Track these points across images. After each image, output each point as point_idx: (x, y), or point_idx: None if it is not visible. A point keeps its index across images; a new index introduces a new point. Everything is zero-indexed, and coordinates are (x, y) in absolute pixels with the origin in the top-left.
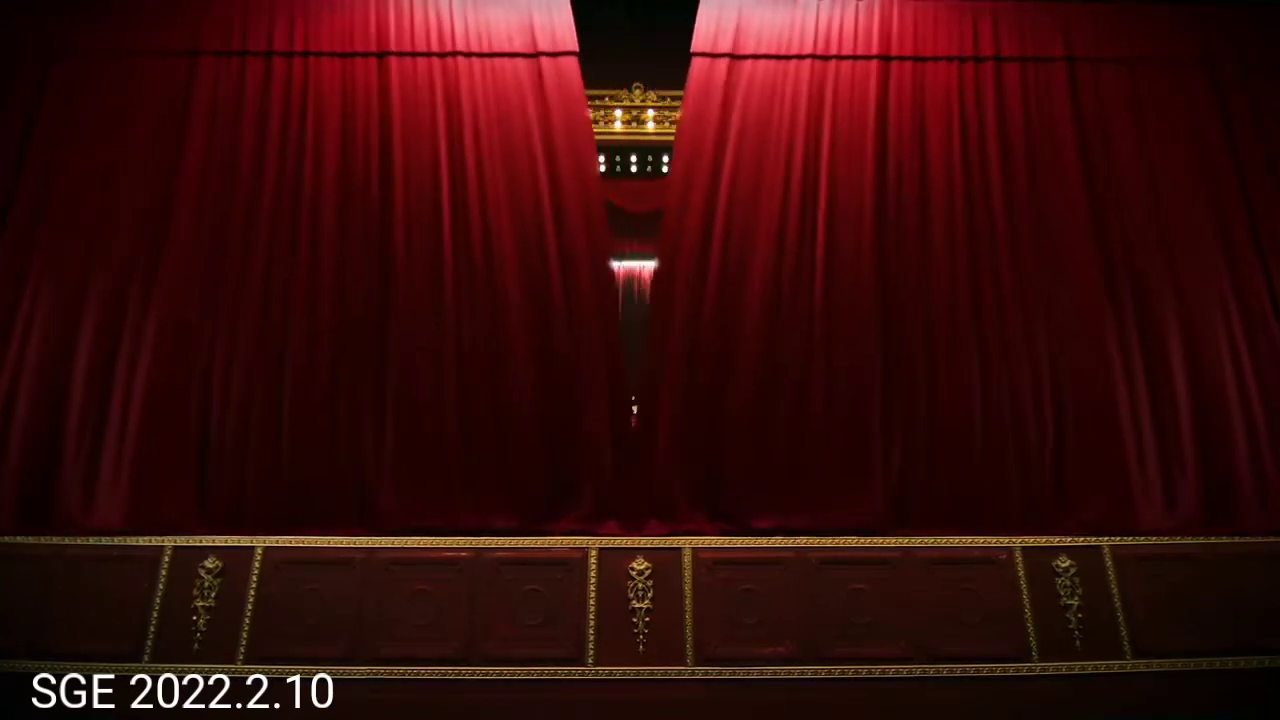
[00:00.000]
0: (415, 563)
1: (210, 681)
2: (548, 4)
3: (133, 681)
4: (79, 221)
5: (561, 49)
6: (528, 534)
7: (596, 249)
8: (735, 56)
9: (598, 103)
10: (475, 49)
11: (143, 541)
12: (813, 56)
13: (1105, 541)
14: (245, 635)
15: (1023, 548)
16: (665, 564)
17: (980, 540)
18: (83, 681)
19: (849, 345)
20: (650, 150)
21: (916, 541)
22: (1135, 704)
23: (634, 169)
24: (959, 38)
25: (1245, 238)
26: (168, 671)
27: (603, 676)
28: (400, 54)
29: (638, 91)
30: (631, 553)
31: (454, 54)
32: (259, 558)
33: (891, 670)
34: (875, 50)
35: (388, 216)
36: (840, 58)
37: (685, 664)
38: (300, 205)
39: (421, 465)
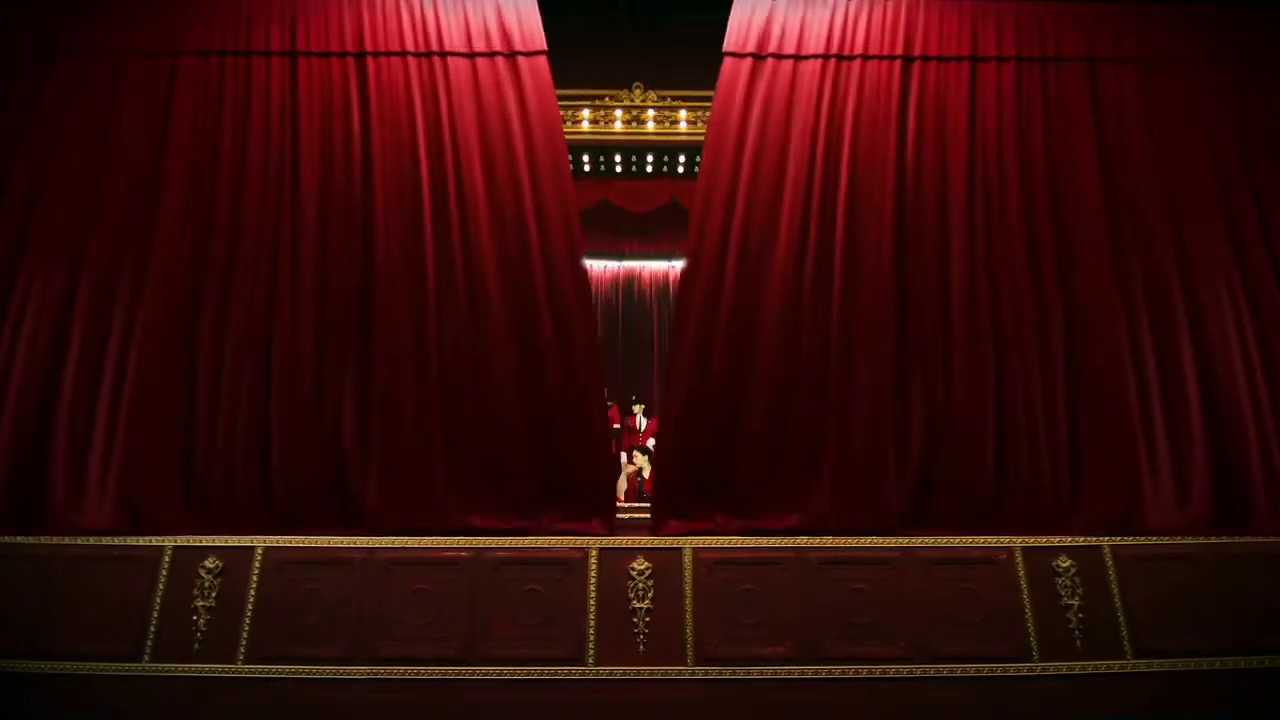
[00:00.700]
0: (415, 563)
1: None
2: (516, 4)
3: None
4: (67, 222)
5: (534, 48)
6: (520, 533)
7: (575, 246)
8: (758, 56)
9: (598, 102)
10: (451, 48)
11: (143, 541)
12: (837, 57)
13: (1105, 541)
14: (245, 635)
15: (1023, 548)
16: (665, 564)
17: (980, 540)
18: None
19: (867, 343)
20: (650, 150)
21: (917, 541)
22: (1136, 704)
23: (634, 169)
24: (980, 38)
25: (1256, 237)
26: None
27: (603, 676)
28: (377, 54)
29: (638, 91)
30: (632, 552)
31: (428, 54)
32: (259, 558)
33: (892, 670)
34: (899, 50)
35: (369, 215)
36: (866, 58)
37: (685, 664)
38: (282, 207)
39: (407, 465)
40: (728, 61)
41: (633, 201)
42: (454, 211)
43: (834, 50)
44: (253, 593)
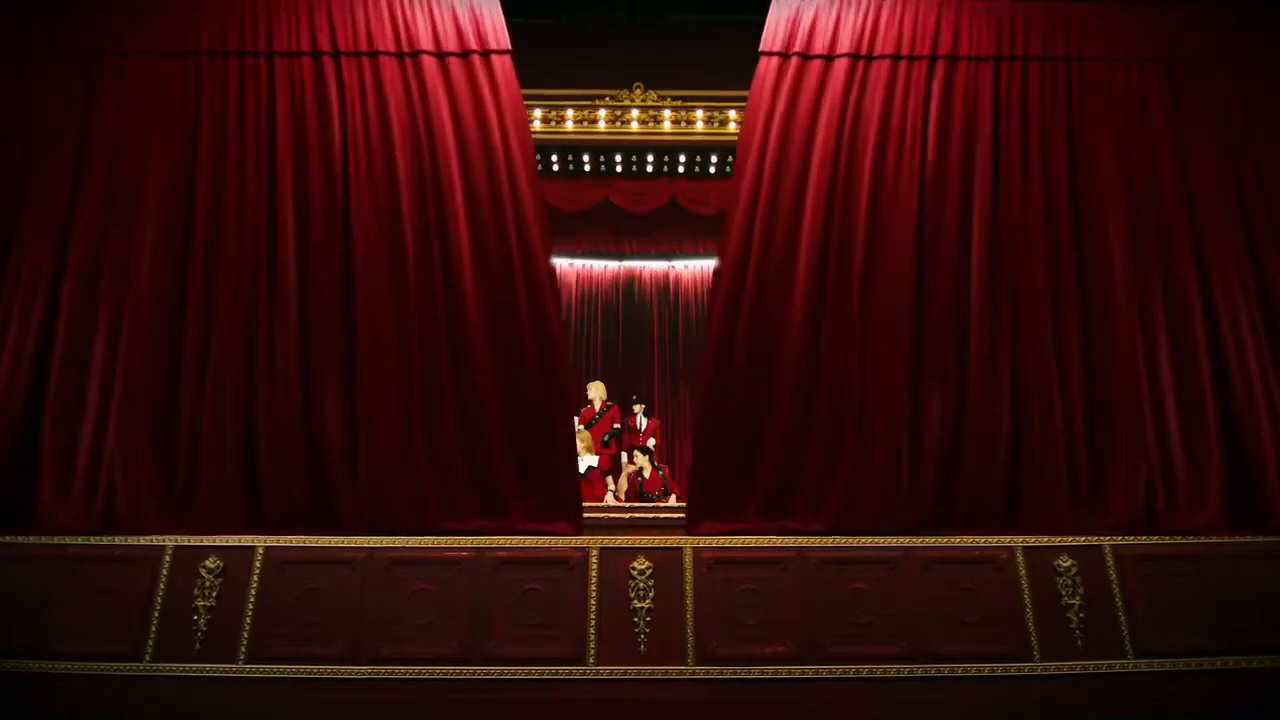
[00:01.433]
0: (415, 562)
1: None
2: (484, 3)
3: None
4: (50, 222)
5: (503, 47)
6: (502, 532)
7: (548, 245)
8: (786, 55)
9: (598, 103)
10: (423, 47)
11: (143, 541)
12: (866, 57)
13: (1106, 541)
14: (246, 635)
15: (1024, 547)
16: (666, 563)
17: (981, 540)
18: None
19: (884, 344)
20: (650, 150)
21: (917, 541)
22: (1136, 704)
23: (634, 168)
24: (1006, 38)
25: (1269, 240)
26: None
27: (603, 676)
28: (357, 54)
29: (638, 91)
30: (632, 552)
31: (401, 54)
32: (260, 557)
33: (892, 670)
34: (926, 50)
35: (348, 213)
36: (895, 58)
37: (686, 663)
38: (260, 207)
39: (390, 465)
40: (763, 60)
41: (633, 201)
42: (431, 208)
43: (864, 50)
44: (253, 592)
